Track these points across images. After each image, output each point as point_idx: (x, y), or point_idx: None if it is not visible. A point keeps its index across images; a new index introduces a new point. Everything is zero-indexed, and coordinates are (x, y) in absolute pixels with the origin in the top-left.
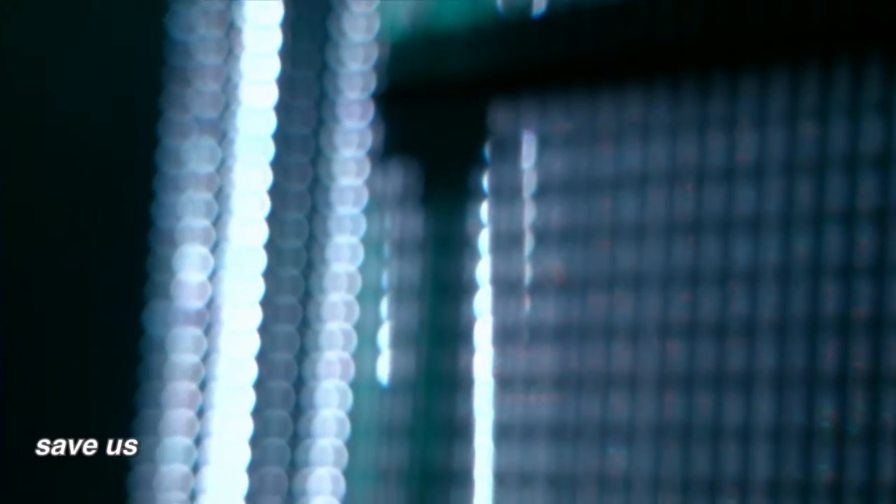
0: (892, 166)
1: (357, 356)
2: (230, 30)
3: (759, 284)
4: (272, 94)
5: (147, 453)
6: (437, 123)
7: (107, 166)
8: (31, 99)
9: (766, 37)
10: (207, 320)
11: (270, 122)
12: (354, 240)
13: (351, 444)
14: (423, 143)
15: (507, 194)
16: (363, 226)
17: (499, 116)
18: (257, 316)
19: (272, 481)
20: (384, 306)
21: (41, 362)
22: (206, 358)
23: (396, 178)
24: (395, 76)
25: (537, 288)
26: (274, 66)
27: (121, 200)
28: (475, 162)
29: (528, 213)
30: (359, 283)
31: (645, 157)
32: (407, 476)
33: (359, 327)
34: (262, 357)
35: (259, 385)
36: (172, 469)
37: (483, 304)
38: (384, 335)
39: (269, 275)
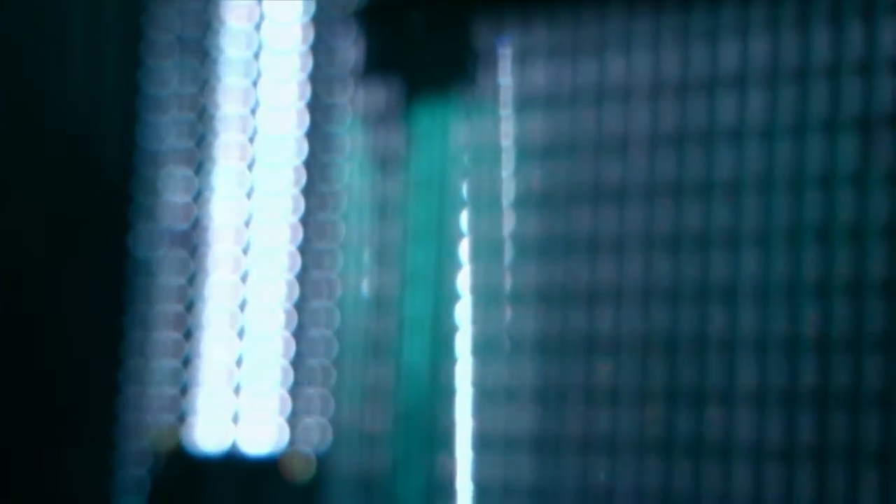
0: (875, 74)
1: (343, 274)
2: None
3: (741, 194)
4: (254, 13)
5: (136, 376)
6: (418, 38)
7: (90, 89)
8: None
9: None
10: (194, 242)
11: (253, 41)
12: (339, 158)
13: (338, 362)
14: (405, 59)
15: (488, 109)
16: (347, 144)
17: (481, 30)
18: (244, 237)
19: (261, 401)
20: (369, 224)
21: (29, 285)
22: (192, 280)
23: (378, 95)
24: None
25: (520, 203)
26: None
27: (104, 125)
28: (457, 77)
29: (510, 128)
30: (344, 202)
31: (628, 69)
32: (393, 391)
33: (344, 245)
34: (249, 278)
35: (247, 306)
36: (161, 391)
37: (466, 220)
38: (369, 253)
39: (255, 195)
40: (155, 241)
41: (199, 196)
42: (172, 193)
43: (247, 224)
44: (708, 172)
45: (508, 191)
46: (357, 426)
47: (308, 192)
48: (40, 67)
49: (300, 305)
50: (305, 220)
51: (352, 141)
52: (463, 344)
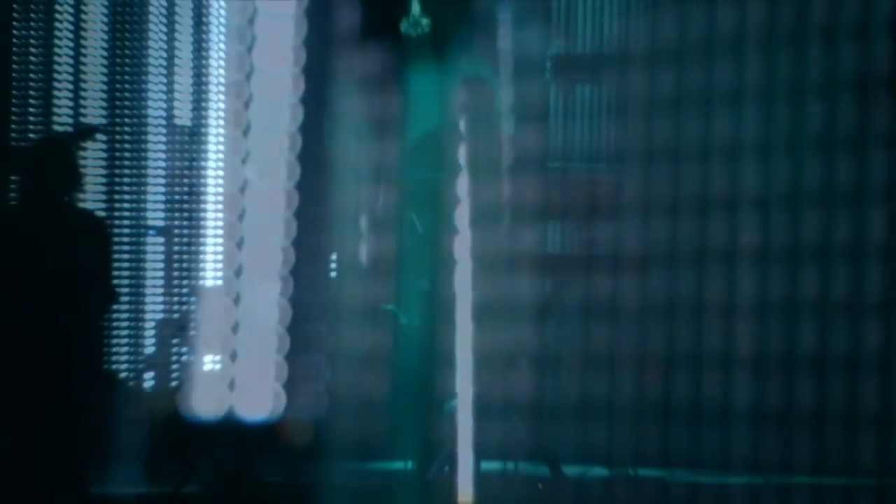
0: (872, 37)
1: (339, 241)
2: None
3: (740, 160)
4: None
5: (132, 343)
6: (415, 3)
7: (79, 56)
8: None
9: None
10: (189, 209)
11: (248, 6)
12: (335, 124)
13: (335, 328)
14: (401, 24)
15: (486, 73)
16: (343, 109)
17: None
18: (239, 203)
19: (259, 368)
20: (366, 190)
21: (24, 256)
22: (188, 246)
23: (375, 60)
24: None
25: (517, 168)
26: None
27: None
28: (455, 41)
29: (507, 94)
30: (341, 167)
31: (625, 34)
32: (391, 358)
33: (341, 212)
34: (244, 247)
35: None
36: (158, 358)
37: (463, 187)
38: (366, 219)
39: (250, 161)
40: (149, 208)
41: (193, 162)
42: (167, 160)
43: (242, 190)
44: (706, 137)
45: (506, 156)
46: (354, 392)
47: (304, 158)
48: (28, 35)
49: (296, 272)
50: (301, 187)
51: (348, 106)
52: (461, 309)
